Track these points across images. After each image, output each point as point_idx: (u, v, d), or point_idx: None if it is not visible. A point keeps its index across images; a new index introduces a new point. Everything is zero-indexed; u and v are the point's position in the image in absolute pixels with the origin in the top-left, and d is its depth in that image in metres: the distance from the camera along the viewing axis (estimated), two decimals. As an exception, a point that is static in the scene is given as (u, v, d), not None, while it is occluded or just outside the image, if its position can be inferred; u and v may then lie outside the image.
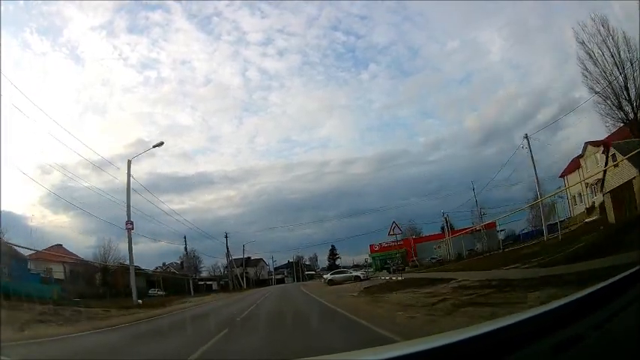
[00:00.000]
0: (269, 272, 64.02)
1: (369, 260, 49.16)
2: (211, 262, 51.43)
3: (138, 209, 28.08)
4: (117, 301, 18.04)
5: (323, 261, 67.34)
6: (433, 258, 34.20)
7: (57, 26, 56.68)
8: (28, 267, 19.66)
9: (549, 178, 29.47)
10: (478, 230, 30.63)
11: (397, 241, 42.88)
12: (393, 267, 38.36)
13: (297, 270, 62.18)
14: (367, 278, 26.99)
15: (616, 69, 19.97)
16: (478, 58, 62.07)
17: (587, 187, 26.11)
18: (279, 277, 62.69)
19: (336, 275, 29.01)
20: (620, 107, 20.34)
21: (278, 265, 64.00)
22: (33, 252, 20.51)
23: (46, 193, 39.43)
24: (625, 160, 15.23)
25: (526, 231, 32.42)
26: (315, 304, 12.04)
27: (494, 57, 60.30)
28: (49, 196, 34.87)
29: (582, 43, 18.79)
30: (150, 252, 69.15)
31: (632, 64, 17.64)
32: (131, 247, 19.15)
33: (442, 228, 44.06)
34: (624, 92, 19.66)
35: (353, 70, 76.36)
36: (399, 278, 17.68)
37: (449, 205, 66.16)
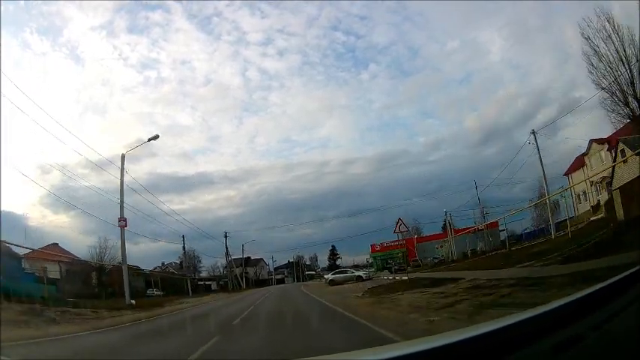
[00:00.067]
0: (269, 272, 63.65)
1: (370, 260, 48.73)
2: (211, 262, 51.19)
3: (138, 209, 28.00)
4: (111, 301, 17.43)
5: (323, 261, 67.21)
6: (435, 258, 33.88)
7: (57, 26, 56.37)
8: (23, 266, 19.15)
9: (552, 177, 29.15)
10: (481, 230, 30.27)
11: (402, 238, 42.49)
12: (395, 267, 38.02)
13: (298, 270, 61.81)
14: (369, 278, 26.56)
15: (622, 65, 19.60)
16: (478, 58, 62.15)
17: (591, 186, 25.76)
18: (279, 277, 62.33)
19: (338, 275, 28.46)
20: (626, 103, 19.98)
21: (278, 265, 63.81)
22: (29, 251, 20.04)
23: (45, 193, 39.02)
24: (634, 156, 14.87)
25: (528, 230, 32.07)
26: (317, 306, 11.48)
27: (494, 57, 60.45)
28: (49, 196, 34.44)
29: (587, 38, 18.49)
30: (150, 252, 68.85)
31: (637, 60, 17.34)
32: (124, 245, 18.59)
33: (443, 227, 43.76)
34: (630, 88, 19.31)
35: (353, 70, 76.36)
36: (404, 278, 17.19)
37: (449, 205, 65.85)
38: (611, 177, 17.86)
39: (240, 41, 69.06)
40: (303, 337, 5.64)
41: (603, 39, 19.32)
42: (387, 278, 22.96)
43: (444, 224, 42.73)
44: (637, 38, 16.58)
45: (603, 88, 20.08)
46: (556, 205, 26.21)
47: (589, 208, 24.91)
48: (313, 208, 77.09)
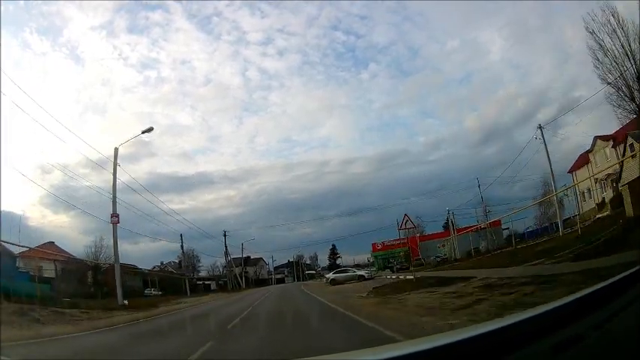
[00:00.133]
0: (269, 272, 63.36)
1: (372, 259, 48.39)
2: (210, 261, 50.80)
3: (138, 209, 27.75)
4: (104, 301, 16.91)
5: (323, 260, 66.92)
6: (438, 257, 33.51)
7: (57, 26, 56.86)
8: (17, 265, 18.74)
9: (556, 175, 28.77)
10: (483, 228, 29.94)
11: (404, 237, 42.08)
12: (397, 266, 37.65)
13: (298, 269, 61.55)
14: (371, 278, 26.19)
15: (627, 60, 19.32)
16: (478, 58, 62.24)
17: (596, 183, 25.39)
18: (279, 276, 62.04)
19: (339, 274, 27.96)
20: (632, 99, 19.68)
21: (278, 264, 63.61)
22: (25, 250, 19.67)
23: (45, 192, 38.78)
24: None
25: (530, 229, 31.73)
26: (320, 307, 10.86)
27: (494, 57, 60.57)
28: (49, 196, 34.14)
29: (592, 32, 18.23)
30: (150, 251, 68.70)
31: (643, 55, 17.04)
32: (116, 243, 18.10)
33: (444, 226, 43.47)
34: (637, 83, 19.04)
35: (353, 70, 76.36)
36: (409, 277, 16.73)
37: (449, 204, 65.69)
38: (620, 173, 17.50)
39: (240, 41, 69.39)
40: (305, 343, 5.25)
41: (608, 33, 19.02)
42: (391, 277, 22.52)
43: (446, 223, 42.47)
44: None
45: (609, 83, 19.76)
46: (561, 202, 25.86)
47: (594, 205, 24.55)
48: (313, 208, 77.18)
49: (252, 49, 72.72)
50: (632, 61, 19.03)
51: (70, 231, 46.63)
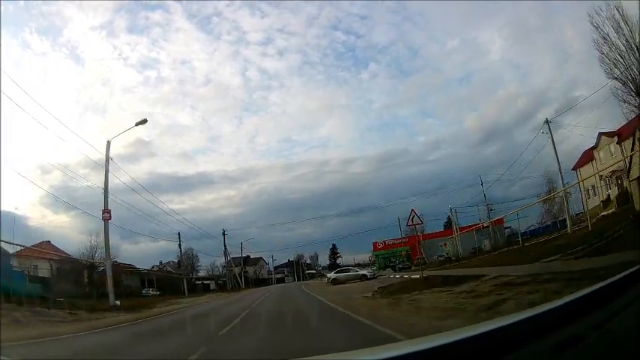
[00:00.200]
0: (269, 271, 62.99)
1: (372, 258, 48.01)
2: (209, 261, 50.42)
3: (138, 208, 27.38)
4: (96, 301, 16.27)
5: (324, 260, 66.43)
6: (440, 256, 33.10)
7: (57, 26, 57.33)
8: (11, 264, 18.26)
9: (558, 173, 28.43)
10: (486, 227, 29.57)
11: (405, 236, 41.47)
12: (400, 265, 37.25)
13: (298, 269, 61.18)
14: (374, 277, 25.74)
15: (633, 54, 18.97)
16: (478, 58, 62.28)
17: (600, 180, 25.04)
18: (279, 276, 61.65)
19: (341, 274, 27.47)
20: (638, 93, 19.29)
21: (278, 264, 63.26)
22: (20, 248, 19.23)
23: (45, 193, 38.47)
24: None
25: (532, 228, 31.36)
26: (324, 309, 10.12)
27: (494, 57, 60.68)
28: (49, 196, 33.80)
29: (597, 27, 17.91)
30: (149, 251, 68.40)
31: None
32: (108, 240, 17.71)
33: (445, 225, 43.15)
34: (642, 77, 18.58)
35: (353, 70, 76.26)
36: (414, 277, 16.23)
37: (449, 203, 65.46)
38: (629, 168, 17.14)
39: (240, 41, 69.41)
40: (306, 348, 4.82)
41: (614, 27, 18.72)
42: (395, 277, 22.06)
43: (447, 222, 42.15)
44: None
45: (615, 78, 19.40)
46: (567, 199, 25.49)
47: (599, 202, 24.21)
48: (313, 208, 76.98)
49: (252, 49, 72.99)
50: (637, 54, 18.70)
51: (70, 231, 46.57)
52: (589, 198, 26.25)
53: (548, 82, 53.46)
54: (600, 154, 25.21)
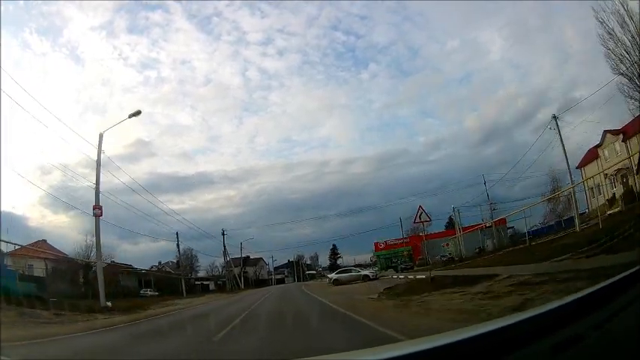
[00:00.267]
0: (269, 272, 62.56)
1: (374, 259, 47.57)
2: (209, 261, 49.95)
3: (138, 209, 27.00)
4: (90, 301, 15.56)
5: (324, 261, 66.02)
6: (443, 256, 32.64)
7: (57, 26, 57.94)
8: (5, 263, 17.82)
9: (563, 171, 28.11)
10: (489, 226, 29.16)
11: (407, 237, 40.91)
12: (402, 265, 36.81)
13: (298, 269, 60.80)
14: (376, 277, 25.29)
15: (638, 50, 18.60)
16: (478, 58, 62.36)
17: (605, 178, 24.63)
18: (279, 276, 61.25)
19: (342, 274, 27.00)
20: (644, 90, 18.85)
21: (278, 264, 63.00)
22: (15, 247, 18.73)
23: (45, 193, 38.08)
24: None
25: (535, 228, 30.92)
26: (328, 311, 9.42)
27: (494, 57, 60.79)
28: (48, 196, 33.46)
29: (602, 22, 17.60)
30: (150, 251, 68.09)
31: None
32: (99, 238, 17.00)
33: (446, 226, 42.79)
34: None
35: (353, 70, 76.36)
36: (419, 277, 15.71)
37: (450, 203, 65.07)
38: (638, 166, 16.74)
39: (240, 41, 69.62)
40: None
41: (619, 22, 18.41)
42: (398, 277, 21.55)
43: (448, 222, 41.75)
44: None
45: (621, 73, 19.08)
46: (570, 199, 25.06)
47: (604, 201, 23.80)
48: (313, 208, 76.70)
49: (252, 49, 73.78)
50: (640, 51, 18.33)
51: (70, 231, 46.26)
52: (593, 197, 25.86)
53: (548, 82, 53.61)
54: (605, 152, 24.84)
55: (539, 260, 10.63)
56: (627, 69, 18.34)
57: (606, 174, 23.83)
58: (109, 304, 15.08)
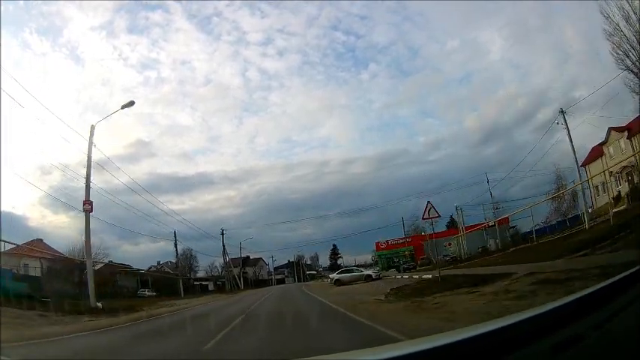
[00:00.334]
0: (269, 272, 62.16)
1: (375, 259, 47.17)
2: (208, 261, 49.48)
3: (138, 209, 26.66)
4: (82, 302, 14.75)
5: (324, 261, 65.67)
6: (446, 255, 32.23)
7: (57, 26, 58.17)
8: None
9: (567, 169, 27.83)
10: (492, 226, 28.81)
11: (408, 237, 40.36)
12: (404, 265, 36.39)
13: (298, 270, 60.36)
14: (379, 277, 24.76)
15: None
16: (478, 58, 62.40)
17: (610, 176, 24.31)
18: (279, 277, 60.85)
19: (344, 274, 26.45)
20: (649, 84, 18.65)
21: (278, 264, 62.58)
22: (11, 247, 18.22)
23: (44, 193, 37.73)
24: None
25: (538, 227, 30.54)
26: (331, 314, 8.76)
27: (494, 57, 60.85)
28: (48, 197, 33.06)
29: (607, 17, 17.37)
30: (150, 252, 67.62)
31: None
32: (89, 235, 16.22)
33: (448, 225, 42.42)
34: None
35: (353, 70, 76.41)
36: (425, 276, 15.21)
37: (450, 203, 64.64)
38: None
39: (240, 41, 69.67)
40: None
41: (624, 17, 18.19)
42: (402, 277, 21.09)
43: (449, 222, 41.40)
44: None
45: (627, 68, 18.80)
46: (574, 197, 24.77)
47: (609, 199, 23.49)
48: (313, 208, 76.41)
49: (252, 50, 74.07)
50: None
51: (70, 231, 45.85)
52: (597, 195, 25.54)
53: (548, 82, 53.69)
54: (610, 150, 24.53)
55: (554, 258, 10.21)
56: (633, 64, 18.05)
57: (611, 172, 23.53)
58: (99, 304, 14.46)
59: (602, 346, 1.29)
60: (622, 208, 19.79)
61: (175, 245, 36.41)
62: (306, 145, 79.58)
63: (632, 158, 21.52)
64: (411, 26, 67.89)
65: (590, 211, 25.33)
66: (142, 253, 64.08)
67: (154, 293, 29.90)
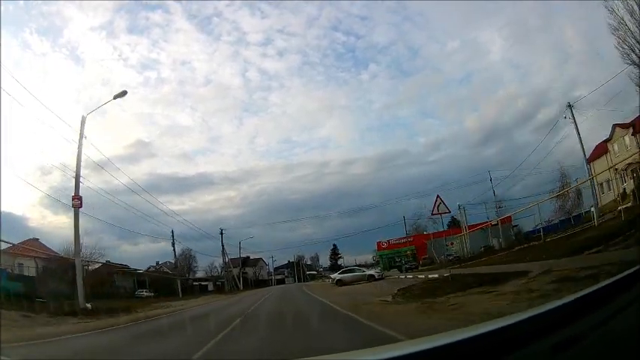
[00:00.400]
0: (268, 272, 61.76)
1: (376, 258, 46.77)
2: (208, 261, 49.13)
3: (138, 209, 26.48)
4: (72, 302, 14.08)
5: (325, 261, 65.35)
6: (449, 255, 31.81)
7: (57, 26, 58.38)
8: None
9: (571, 166, 27.50)
10: (495, 225, 28.48)
11: (410, 236, 39.78)
12: (406, 265, 35.98)
13: (298, 270, 59.95)
14: (382, 277, 24.38)
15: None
16: (478, 58, 62.37)
17: (615, 173, 23.98)
18: (279, 277, 60.48)
19: (346, 274, 26.00)
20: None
21: (278, 264, 62.26)
22: (8, 246, 17.86)
23: (44, 194, 37.38)
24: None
25: (539, 227, 30.20)
26: (333, 316, 8.22)
27: (495, 57, 60.81)
28: (48, 197, 32.75)
29: (612, 11, 17.11)
30: (150, 252, 67.23)
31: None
32: (77, 231, 15.66)
33: (449, 224, 42.02)
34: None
35: (353, 70, 76.42)
36: (431, 276, 14.72)
37: (450, 203, 64.14)
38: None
39: (240, 41, 69.71)
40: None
41: (629, 11, 17.87)
42: (406, 277, 20.64)
43: (450, 221, 41.00)
44: None
45: (633, 63, 18.50)
46: (579, 195, 24.37)
47: (615, 197, 23.16)
48: (313, 209, 75.98)
49: (252, 50, 74.32)
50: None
51: (70, 231, 44.89)
52: (602, 193, 25.19)
53: (548, 82, 53.62)
54: (615, 147, 24.20)
55: (566, 255, 9.79)
56: (638, 58, 17.73)
57: (616, 169, 23.20)
58: (88, 305, 13.79)
59: (602, 346, 1.30)
60: (627, 205, 19.46)
61: (173, 245, 36.11)
62: (306, 146, 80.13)
63: (638, 155, 21.18)
64: (411, 26, 68.13)
65: (598, 206, 25.01)
66: (142, 253, 63.96)
67: (152, 294, 29.67)
